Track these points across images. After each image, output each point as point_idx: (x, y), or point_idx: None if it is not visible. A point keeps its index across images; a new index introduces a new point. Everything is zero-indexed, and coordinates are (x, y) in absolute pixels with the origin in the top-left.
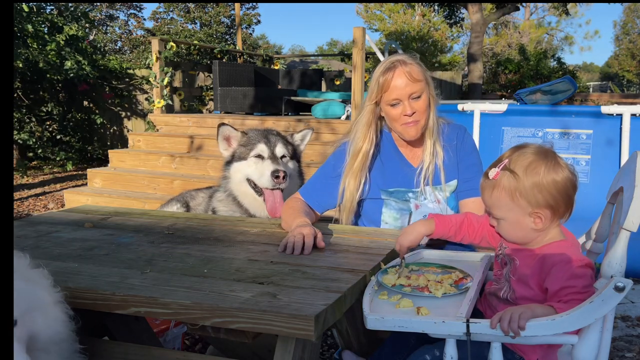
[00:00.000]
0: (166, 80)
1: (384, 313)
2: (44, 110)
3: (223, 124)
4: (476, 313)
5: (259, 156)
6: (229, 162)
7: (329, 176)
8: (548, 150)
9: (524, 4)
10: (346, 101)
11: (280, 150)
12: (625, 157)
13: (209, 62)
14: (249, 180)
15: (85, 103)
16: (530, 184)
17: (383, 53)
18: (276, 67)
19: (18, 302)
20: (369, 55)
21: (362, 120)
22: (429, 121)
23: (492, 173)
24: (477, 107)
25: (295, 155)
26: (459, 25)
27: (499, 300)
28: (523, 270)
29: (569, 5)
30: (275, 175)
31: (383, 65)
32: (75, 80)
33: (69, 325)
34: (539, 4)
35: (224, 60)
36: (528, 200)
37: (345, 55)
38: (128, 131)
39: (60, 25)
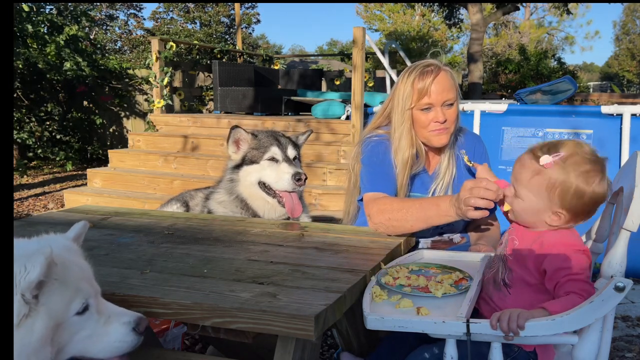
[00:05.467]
0: (166, 80)
1: (384, 313)
2: (44, 110)
3: (236, 126)
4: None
5: (273, 159)
6: (238, 166)
7: (383, 171)
8: (602, 160)
9: (524, 4)
10: (346, 101)
11: (291, 152)
12: (625, 157)
13: (208, 62)
14: (260, 183)
15: (85, 103)
16: (575, 190)
17: (383, 53)
18: (276, 67)
19: (86, 274)
20: (369, 55)
21: (404, 128)
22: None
23: (545, 160)
24: (477, 107)
25: (299, 156)
26: (457, 26)
27: (495, 288)
28: (522, 251)
29: (571, 5)
30: (297, 178)
31: (417, 69)
32: (75, 82)
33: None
34: (539, 4)
35: (223, 60)
36: (562, 200)
37: (345, 55)
38: (128, 131)
39: (60, 25)
